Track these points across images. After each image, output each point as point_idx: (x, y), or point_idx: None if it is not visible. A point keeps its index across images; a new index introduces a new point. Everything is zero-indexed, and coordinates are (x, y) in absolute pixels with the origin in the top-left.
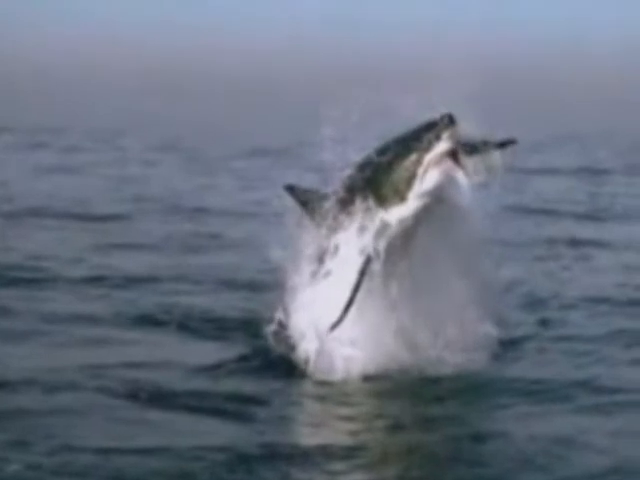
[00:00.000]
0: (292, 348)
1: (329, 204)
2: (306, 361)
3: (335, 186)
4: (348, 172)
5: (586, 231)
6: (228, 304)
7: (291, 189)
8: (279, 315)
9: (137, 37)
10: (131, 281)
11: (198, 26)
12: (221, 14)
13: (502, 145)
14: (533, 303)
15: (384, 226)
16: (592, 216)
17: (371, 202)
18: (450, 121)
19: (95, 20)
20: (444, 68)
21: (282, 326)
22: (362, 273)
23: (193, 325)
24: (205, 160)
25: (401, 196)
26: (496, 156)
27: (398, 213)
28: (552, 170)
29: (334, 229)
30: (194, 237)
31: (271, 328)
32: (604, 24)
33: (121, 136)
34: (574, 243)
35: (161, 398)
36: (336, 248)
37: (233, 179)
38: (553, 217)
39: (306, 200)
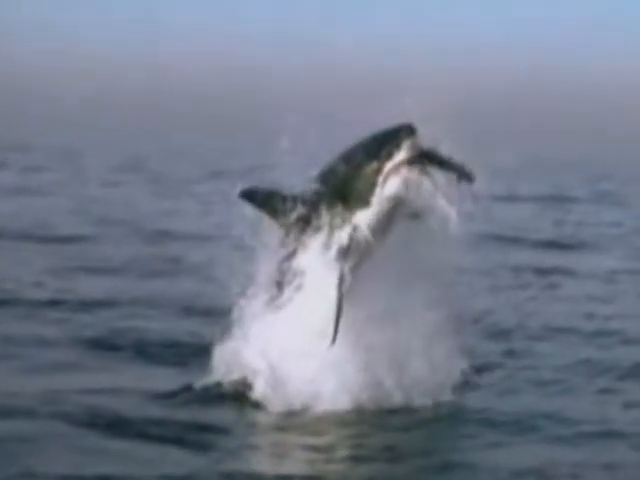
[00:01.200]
0: (244, 377)
1: (288, 225)
2: (261, 391)
3: (300, 190)
4: (311, 184)
5: (552, 259)
6: (186, 329)
7: (249, 195)
8: (232, 343)
9: (100, 53)
10: (90, 305)
11: (159, 44)
12: (179, 33)
13: (460, 175)
14: (500, 332)
15: (354, 230)
16: (558, 244)
17: (339, 208)
18: (410, 131)
19: (58, 34)
20: (413, 89)
21: (234, 354)
22: (340, 288)
23: (151, 351)
24: (167, 181)
25: (365, 201)
26: (450, 179)
27: (364, 216)
28: (519, 197)
29: (294, 252)
30: (154, 261)
31: (222, 355)
32: (575, 54)
33: (82, 155)
34: (540, 272)
35: (120, 426)
36: (300, 272)
37: (195, 202)
38: (519, 245)
39: (267, 202)
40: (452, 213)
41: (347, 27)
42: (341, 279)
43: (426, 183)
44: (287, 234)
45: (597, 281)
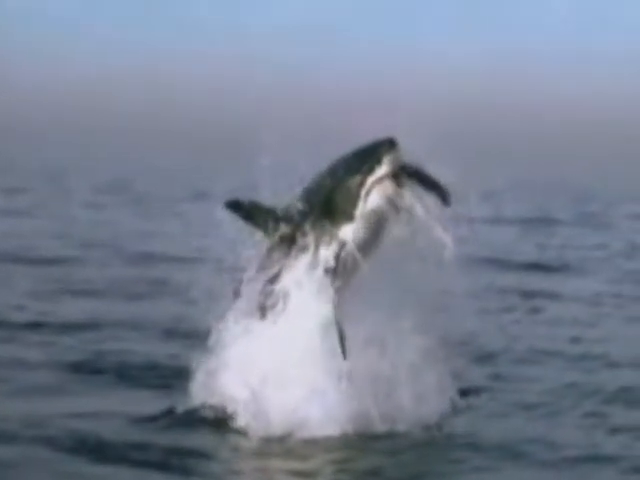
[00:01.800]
0: (224, 404)
1: (271, 245)
2: (241, 418)
3: (285, 204)
4: (294, 201)
5: (537, 282)
6: (168, 352)
7: (234, 205)
8: (211, 367)
9: (80, 75)
10: (72, 328)
11: (145, 67)
12: (164, 56)
13: (438, 194)
14: (486, 356)
15: (341, 245)
16: (543, 267)
17: (324, 224)
18: (391, 145)
19: (47, 57)
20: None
21: (214, 379)
22: (334, 303)
23: (133, 374)
24: (151, 202)
25: (349, 216)
26: (426, 197)
27: (350, 231)
28: (503, 219)
29: (278, 274)
30: (137, 283)
31: (202, 380)
32: (558, 77)
33: (66, 176)
34: (525, 294)
35: (103, 450)
36: (284, 295)
37: (179, 223)
38: (504, 267)
39: (252, 214)
40: (448, 239)
41: (332, 48)
42: (333, 294)
43: (411, 199)
44: (270, 255)
45: (582, 304)
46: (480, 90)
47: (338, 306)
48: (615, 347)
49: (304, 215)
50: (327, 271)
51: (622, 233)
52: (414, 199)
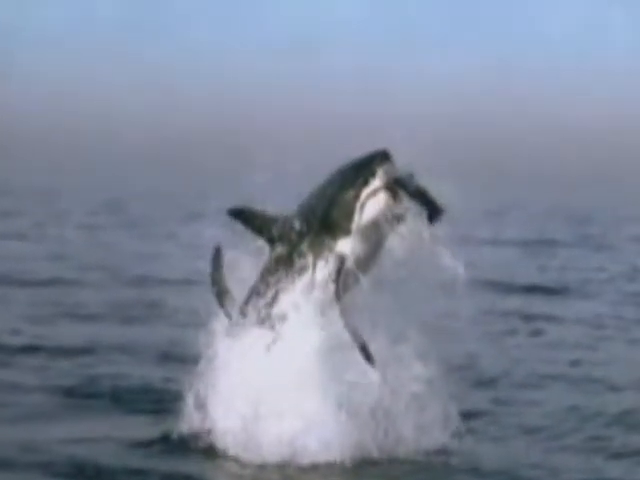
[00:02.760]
0: (217, 430)
1: (264, 272)
2: (236, 444)
3: (289, 211)
4: (290, 218)
5: (538, 305)
6: (164, 376)
7: (238, 213)
8: (203, 390)
9: (70, 93)
10: (67, 352)
11: (133, 84)
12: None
13: (430, 211)
14: (487, 380)
15: (339, 259)
16: (543, 289)
17: (321, 239)
18: (385, 157)
19: (32, 75)
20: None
21: (205, 402)
22: (345, 314)
23: (129, 398)
24: (146, 224)
25: (345, 230)
26: (420, 213)
27: (347, 245)
28: (503, 241)
29: (275, 298)
30: (133, 306)
31: (193, 404)
32: (558, 97)
33: (60, 198)
34: (526, 317)
35: (99, 476)
36: (280, 319)
37: (174, 244)
38: (504, 290)
39: (258, 223)
40: (456, 263)
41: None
42: (340, 306)
43: (407, 211)
44: (265, 278)
45: (583, 327)
46: (475, 110)
47: (348, 314)
48: (616, 370)
49: (300, 234)
50: (329, 285)
51: (623, 255)
52: (415, 217)
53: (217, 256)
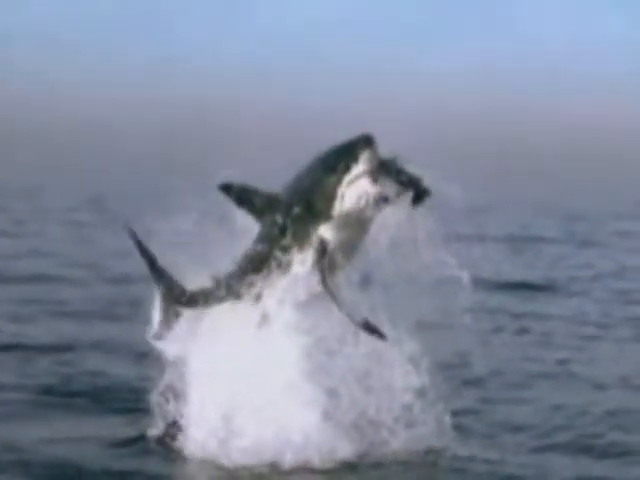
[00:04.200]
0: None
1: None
2: (215, 444)
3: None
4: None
5: (524, 302)
6: (146, 374)
7: (228, 188)
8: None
9: (53, 90)
10: (47, 350)
11: (114, 84)
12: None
13: (417, 194)
14: (474, 379)
15: (322, 245)
16: (530, 286)
17: (303, 226)
18: (368, 142)
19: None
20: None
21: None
22: (332, 292)
23: (108, 397)
24: (129, 221)
25: (327, 215)
26: (406, 197)
27: (328, 230)
28: (489, 237)
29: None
30: (116, 304)
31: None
32: (544, 95)
33: (42, 194)
34: (513, 315)
35: (78, 476)
36: (263, 317)
37: (156, 241)
38: (491, 287)
39: (246, 199)
40: (464, 276)
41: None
42: (329, 288)
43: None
44: (244, 274)
45: (570, 324)
46: (463, 107)
47: (339, 297)
48: (603, 369)
49: (285, 217)
50: (313, 271)
51: (610, 252)
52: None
53: (134, 237)
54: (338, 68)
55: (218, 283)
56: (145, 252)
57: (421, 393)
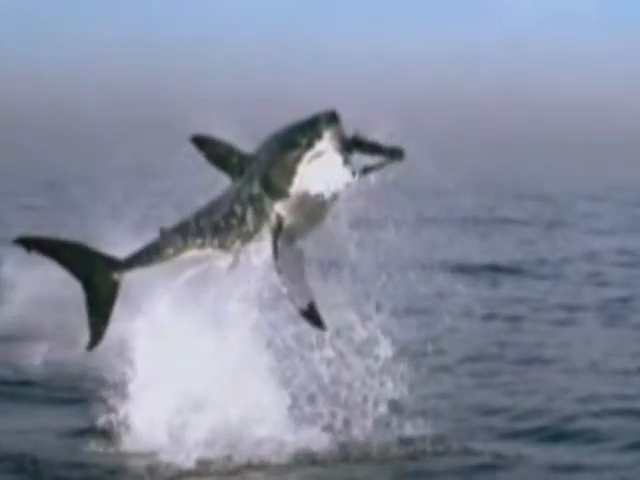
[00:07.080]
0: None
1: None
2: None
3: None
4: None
5: (493, 286)
6: (101, 363)
7: (203, 141)
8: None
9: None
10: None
11: (78, 65)
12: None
13: (390, 155)
14: (445, 365)
15: (278, 220)
16: (499, 269)
17: (263, 196)
18: (332, 118)
19: None
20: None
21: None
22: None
23: (62, 386)
24: (87, 205)
25: (284, 191)
26: (379, 163)
27: (285, 207)
28: (455, 220)
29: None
30: (66, 290)
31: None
32: (511, 74)
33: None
34: (482, 299)
35: (41, 472)
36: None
37: (115, 226)
38: (459, 271)
39: (220, 153)
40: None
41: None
42: (279, 264)
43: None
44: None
45: (539, 308)
46: (426, 88)
47: (287, 274)
48: (575, 353)
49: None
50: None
51: (578, 233)
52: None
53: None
54: None
55: (168, 237)
56: (48, 247)
57: (393, 381)
